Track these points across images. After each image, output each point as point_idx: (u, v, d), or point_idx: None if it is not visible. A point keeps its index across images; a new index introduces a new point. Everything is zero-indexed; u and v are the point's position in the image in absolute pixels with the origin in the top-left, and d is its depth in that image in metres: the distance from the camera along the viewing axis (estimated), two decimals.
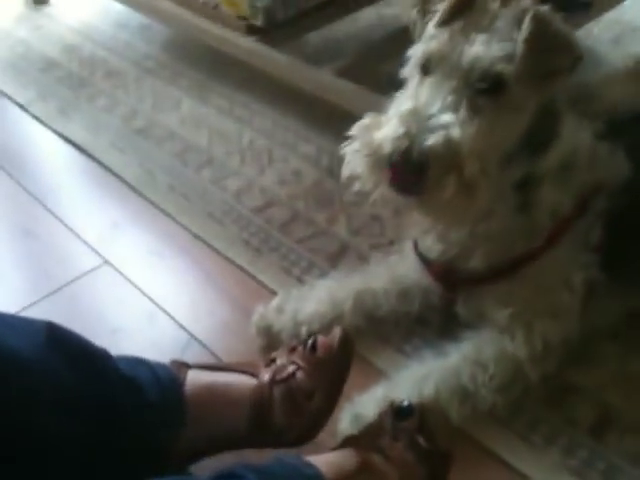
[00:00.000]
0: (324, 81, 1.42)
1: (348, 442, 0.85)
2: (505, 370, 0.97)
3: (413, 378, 0.98)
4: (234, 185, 1.45)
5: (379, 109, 0.89)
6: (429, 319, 1.11)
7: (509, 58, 0.83)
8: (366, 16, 1.94)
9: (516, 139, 0.88)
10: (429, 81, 0.85)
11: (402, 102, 0.87)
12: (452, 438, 0.87)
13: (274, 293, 1.18)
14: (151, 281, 1.26)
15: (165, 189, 1.45)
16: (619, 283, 1.01)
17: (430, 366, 1.00)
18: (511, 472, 0.94)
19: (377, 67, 1.54)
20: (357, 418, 0.94)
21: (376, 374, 1.05)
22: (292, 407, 0.87)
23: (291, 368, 0.90)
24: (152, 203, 1.42)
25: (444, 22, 0.87)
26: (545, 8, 0.86)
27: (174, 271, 1.29)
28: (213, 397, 0.89)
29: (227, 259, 1.29)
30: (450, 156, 0.79)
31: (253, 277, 1.25)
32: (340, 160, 0.90)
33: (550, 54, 0.85)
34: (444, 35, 0.86)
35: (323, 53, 1.75)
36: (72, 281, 1.27)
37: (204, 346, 1.13)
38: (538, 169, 0.93)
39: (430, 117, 0.81)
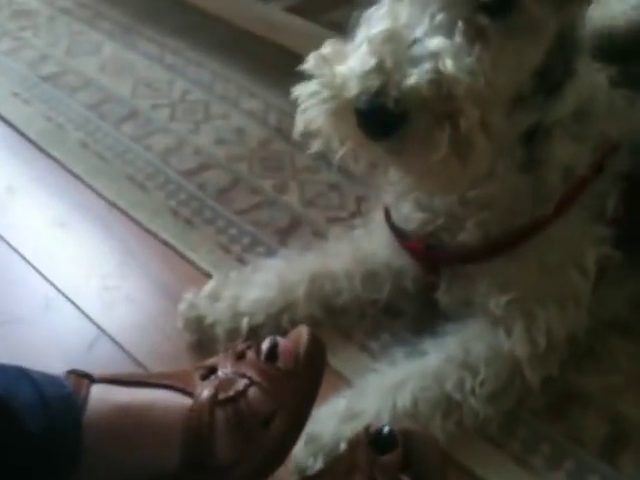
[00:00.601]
0: (273, 18, 1.20)
1: None
2: (499, 373, 0.79)
3: (383, 386, 0.78)
4: (161, 143, 1.22)
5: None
6: (401, 309, 0.92)
7: None
8: None
9: (529, 75, 0.68)
10: None
11: (374, 23, 0.64)
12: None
13: (208, 276, 0.98)
14: (52, 259, 1.03)
15: (76, 147, 1.22)
16: (633, 265, 0.84)
17: (404, 370, 0.80)
18: None
19: (334, 6, 1.31)
20: (312, 439, 0.74)
21: (335, 379, 0.84)
22: (242, 436, 0.65)
23: (241, 383, 0.67)
24: (59, 163, 1.19)
25: None
26: None
27: (82, 247, 1.06)
28: (129, 423, 0.66)
29: (150, 232, 1.06)
30: (441, 100, 0.57)
31: (182, 255, 1.03)
32: (292, 117, 0.68)
33: None
34: None
35: None
36: None
37: (116, 343, 0.91)
38: (549, 116, 0.73)
39: (413, 42, 0.58)
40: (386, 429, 0.64)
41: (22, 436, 0.62)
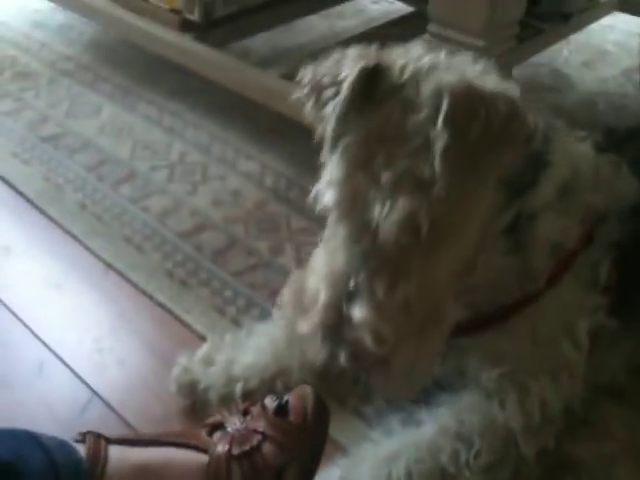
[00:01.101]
0: (270, 85, 1.21)
1: None
2: (493, 444, 0.78)
3: (378, 456, 0.78)
4: (158, 205, 1.24)
5: None
6: None
7: (426, 188, 0.62)
8: (317, 28, 1.83)
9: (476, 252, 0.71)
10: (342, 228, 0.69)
11: (324, 253, 0.71)
12: None
13: (202, 338, 0.97)
14: (46, 320, 1.02)
15: (74, 207, 1.23)
16: (627, 329, 0.84)
17: (400, 440, 0.80)
18: None
19: None
20: None
21: (329, 447, 0.82)
22: None
23: (255, 438, 0.70)
24: (56, 223, 1.20)
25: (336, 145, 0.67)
26: (468, 77, 0.64)
27: (77, 308, 1.05)
28: None
29: (145, 294, 1.06)
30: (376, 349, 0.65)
31: (177, 317, 1.02)
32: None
33: (488, 149, 0.63)
34: (340, 169, 0.66)
35: (268, 62, 1.57)
36: None
37: (108, 405, 0.90)
38: (528, 205, 0.75)
39: (346, 296, 0.66)
40: None
41: None
